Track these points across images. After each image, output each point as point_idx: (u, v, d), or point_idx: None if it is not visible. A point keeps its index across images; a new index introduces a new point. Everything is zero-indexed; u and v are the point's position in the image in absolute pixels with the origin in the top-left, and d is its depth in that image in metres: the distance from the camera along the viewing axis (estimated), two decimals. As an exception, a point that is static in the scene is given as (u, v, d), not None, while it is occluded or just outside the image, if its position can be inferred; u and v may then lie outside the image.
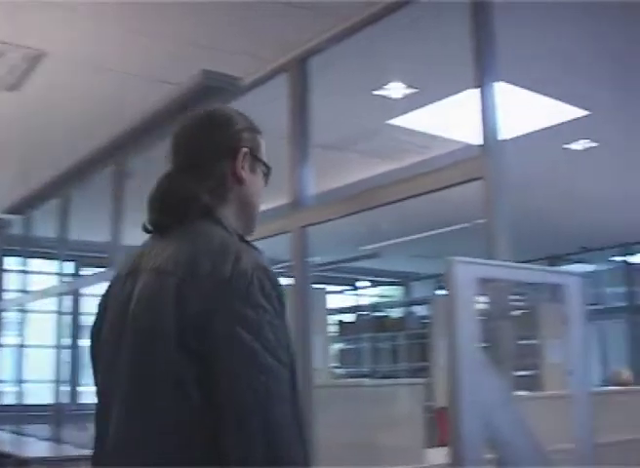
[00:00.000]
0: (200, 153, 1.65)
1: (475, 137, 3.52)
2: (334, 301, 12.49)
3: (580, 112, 5.98)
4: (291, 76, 4.85)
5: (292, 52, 4.79)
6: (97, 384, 1.65)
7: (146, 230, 1.67)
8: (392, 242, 8.43)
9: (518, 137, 6.40)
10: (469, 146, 3.57)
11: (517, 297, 11.93)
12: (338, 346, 11.90)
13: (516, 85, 5.41)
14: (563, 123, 6.17)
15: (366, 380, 7.44)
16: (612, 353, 12.77)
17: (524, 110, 5.94)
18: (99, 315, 1.69)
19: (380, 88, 5.42)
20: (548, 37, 4.79)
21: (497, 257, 3.31)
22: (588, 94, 5.71)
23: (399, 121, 6.07)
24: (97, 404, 1.62)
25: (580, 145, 6.84)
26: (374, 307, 12.95)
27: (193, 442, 1.41)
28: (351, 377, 10.90)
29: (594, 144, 6.81)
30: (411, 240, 8.36)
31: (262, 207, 1.77)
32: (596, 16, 4.52)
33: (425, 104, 5.74)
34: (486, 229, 3.36)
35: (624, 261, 12.13)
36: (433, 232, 7.96)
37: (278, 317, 1.45)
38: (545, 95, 5.65)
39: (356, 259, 10.56)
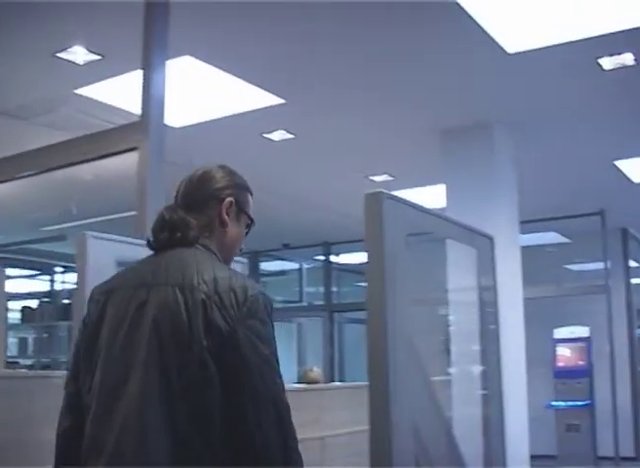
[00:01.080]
0: (195, 197, 2.02)
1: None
2: (22, 286, 11.84)
3: (276, 100, 5.82)
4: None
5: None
6: (96, 373, 1.86)
7: (150, 246, 1.98)
8: (78, 224, 7.84)
9: (217, 120, 6.18)
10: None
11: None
12: (24, 335, 11.00)
13: (210, 63, 5.16)
14: (259, 110, 5.99)
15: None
16: (310, 351, 13.02)
17: (221, 92, 5.70)
18: (94, 322, 1.92)
19: (62, 50, 4.94)
20: (246, 19, 4.59)
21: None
22: (284, 81, 5.56)
23: (85, 91, 5.62)
24: (99, 390, 1.83)
25: (277, 136, 6.70)
26: (56, 294, 11.90)
27: (216, 429, 1.73)
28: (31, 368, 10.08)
29: (291, 136, 6.71)
30: (105, 222, 7.81)
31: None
32: (296, 7, 4.40)
33: (115, 75, 5.34)
34: (137, 202, 3.06)
35: (326, 260, 12.34)
36: (127, 214, 7.46)
37: (273, 329, 1.86)
38: (242, 78, 5.44)
39: (41, 241, 9.89)
